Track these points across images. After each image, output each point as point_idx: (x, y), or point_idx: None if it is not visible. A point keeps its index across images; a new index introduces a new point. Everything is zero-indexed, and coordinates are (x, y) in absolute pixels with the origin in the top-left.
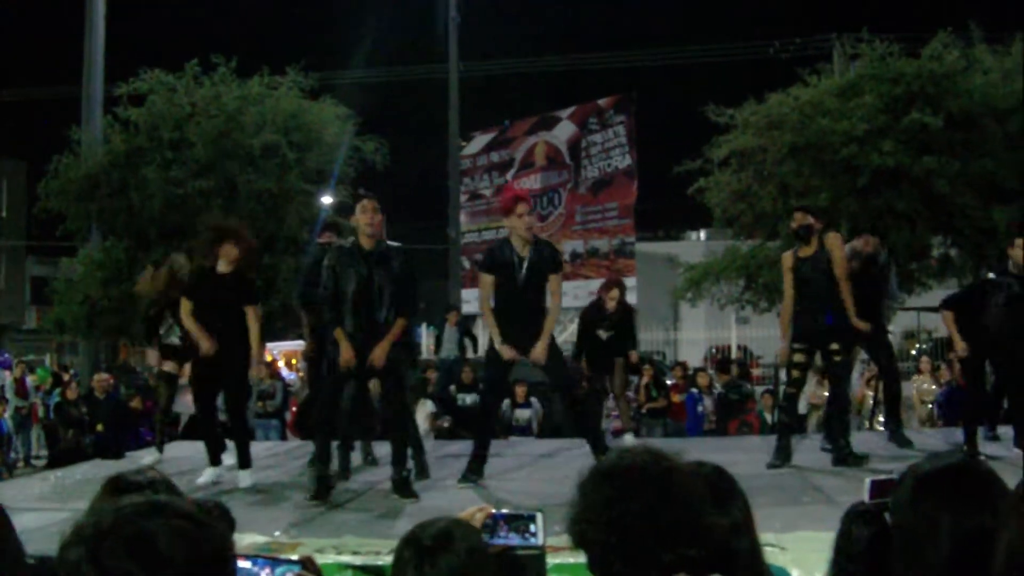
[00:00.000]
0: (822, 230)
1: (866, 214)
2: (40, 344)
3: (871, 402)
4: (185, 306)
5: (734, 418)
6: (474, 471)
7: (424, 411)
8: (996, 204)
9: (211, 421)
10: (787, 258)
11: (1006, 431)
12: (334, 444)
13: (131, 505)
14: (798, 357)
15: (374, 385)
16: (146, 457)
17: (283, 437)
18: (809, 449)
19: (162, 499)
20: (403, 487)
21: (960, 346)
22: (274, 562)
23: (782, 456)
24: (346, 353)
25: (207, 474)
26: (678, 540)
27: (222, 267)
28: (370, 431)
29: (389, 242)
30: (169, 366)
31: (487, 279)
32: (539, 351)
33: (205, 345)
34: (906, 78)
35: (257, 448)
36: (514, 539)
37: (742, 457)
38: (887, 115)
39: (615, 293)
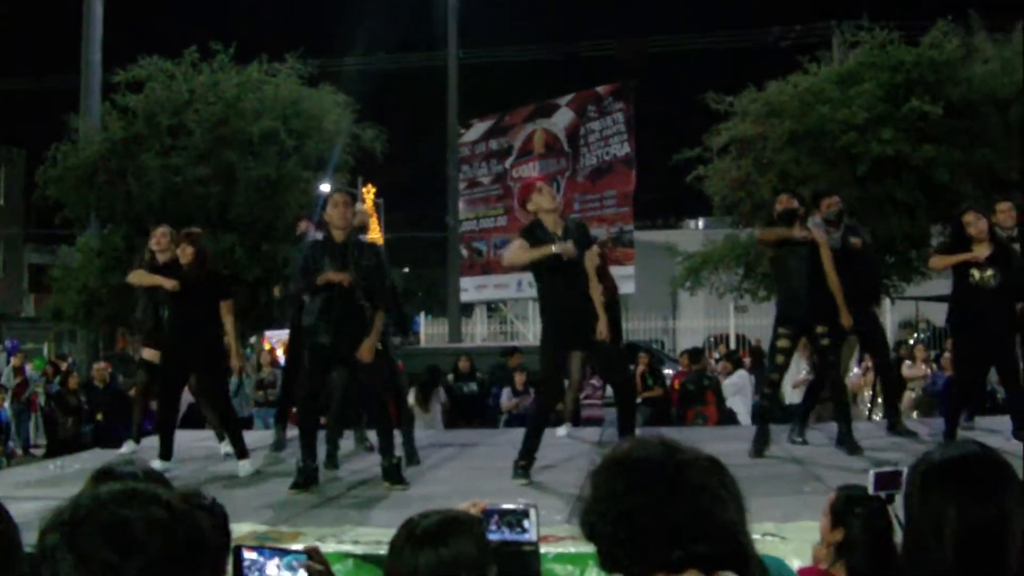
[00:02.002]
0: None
1: (865, 202)
2: (37, 333)
3: (868, 392)
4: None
5: (690, 408)
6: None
7: (438, 399)
8: (996, 193)
9: (171, 412)
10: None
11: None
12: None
13: (109, 492)
14: (782, 343)
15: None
16: (124, 447)
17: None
18: (813, 439)
19: (140, 487)
20: (392, 474)
21: None
22: (281, 552)
23: (761, 442)
24: (335, 275)
25: (154, 466)
26: (688, 537)
27: (183, 261)
28: (360, 418)
29: (360, 237)
30: (149, 354)
31: (521, 240)
32: (602, 328)
33: (169, 284)
34: (906, 66)
35: (257, 436)
36: (508, 534)
37: (744, 446)
38: (887, 103)
39: None
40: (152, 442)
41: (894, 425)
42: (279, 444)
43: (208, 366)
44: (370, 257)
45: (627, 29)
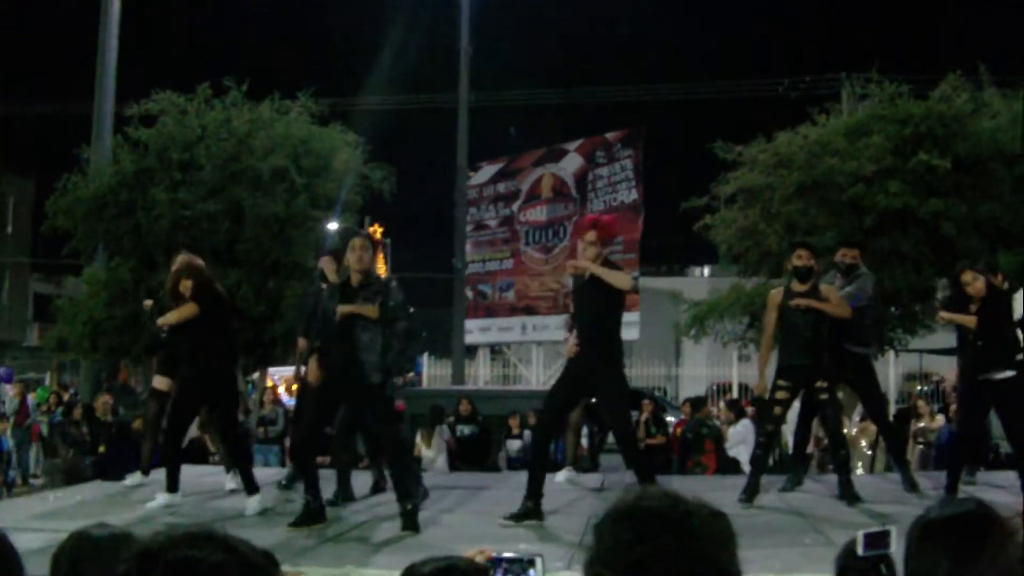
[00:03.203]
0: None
1: (872, 255)
2: (40, 362)
3: (865, 443)
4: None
5: (689, 458)
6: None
7: (440, 437)
8: (1002, 248)
9: (178, 444)
10: (775, 295)
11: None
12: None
13: (184, 529)
14: (780, 395)
15: None
16: (128, 479)
17: (283, 463)
18: (813, 490)
19: (217, 530)
20: (406, 519)
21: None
22: None
23: (750, 492)
24: (313, 373)
25: (160, 499)
26: None
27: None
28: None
29: (380, 275)
30: (160, 383)
31: None
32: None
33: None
34: (914, 119)
35: (257, 474)
36: None
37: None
38: (895, 156)
39: None
40: (160, 475)
41: (904, 478)
42: (294, 477)
43: (218, 396)
44: (379, 293)
45: (638, 76)
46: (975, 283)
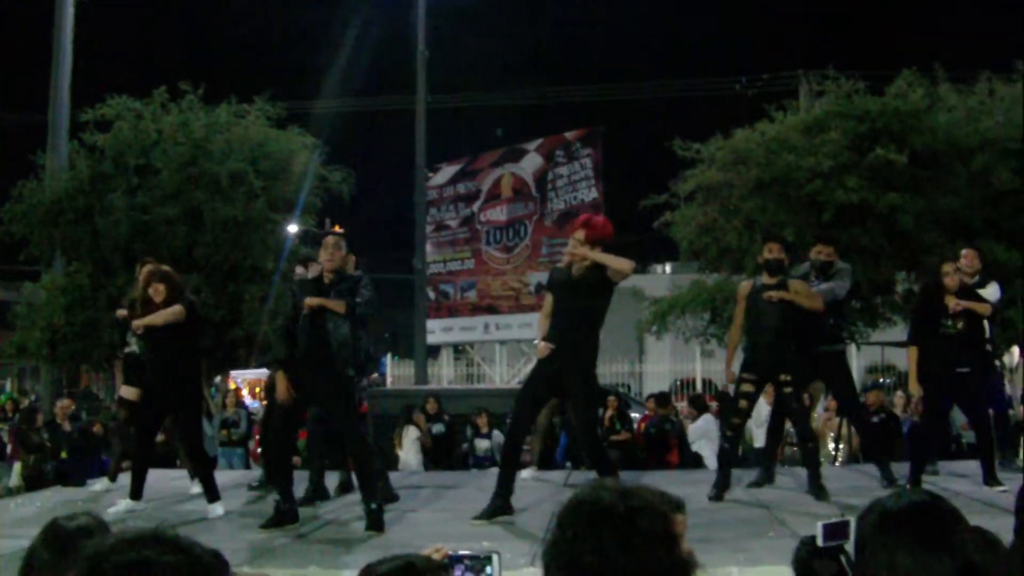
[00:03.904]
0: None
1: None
2: (0, 368)
3: (832, 435)
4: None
5: (653, 453)
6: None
7: (410, 437)
8: (960, 241)
9: (146, 452)
10: (744, 287)
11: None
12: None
13: (135, 531)
14: (746, 387)
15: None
16: (96, 485)
17: (247, 466)
18: (781, 483)
19: (167, 531)
20: (370, 518)
21: (914, 386)
22: None
23: (720, 486)
24: (281, 391)
25: (121, 504)
26: None
27: (156, 300)
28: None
29: (351, 273)
30: (127, 392)
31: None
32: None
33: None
34: (871, 115)
35: (221, 477)
36: None
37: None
38: (852, 152)
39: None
40: (127, 480)
41: (883, 473)
42: (267, 479)
43: (182, 404)
44: (348, 289)
45: (596, 76)
46: (955, 275)
